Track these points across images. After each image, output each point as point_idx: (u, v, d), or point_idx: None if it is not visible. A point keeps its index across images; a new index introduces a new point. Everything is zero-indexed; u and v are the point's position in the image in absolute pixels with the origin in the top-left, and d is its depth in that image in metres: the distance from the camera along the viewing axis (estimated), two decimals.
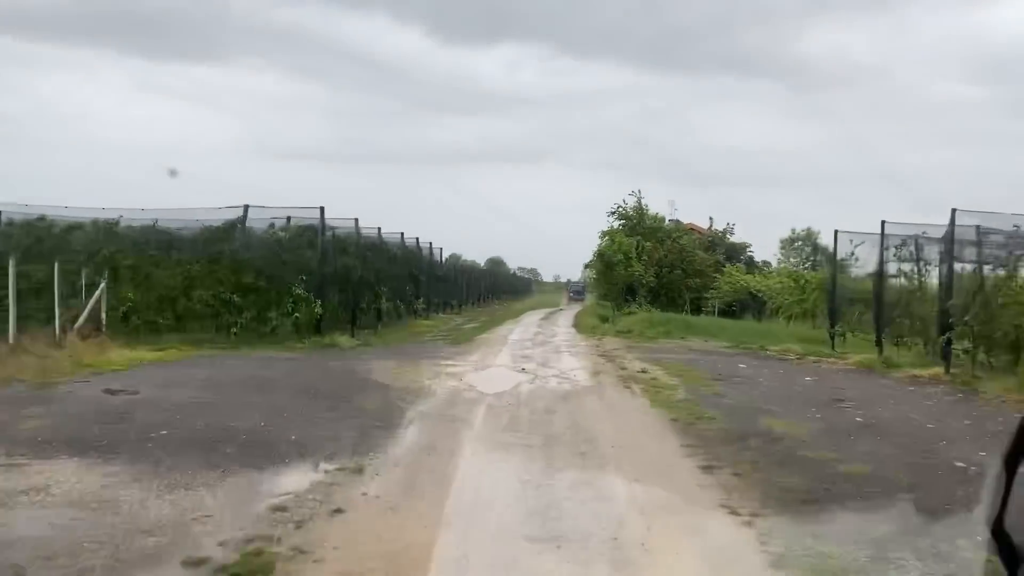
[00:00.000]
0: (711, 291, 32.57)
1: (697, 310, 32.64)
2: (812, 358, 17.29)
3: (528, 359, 14.96)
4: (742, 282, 30.47)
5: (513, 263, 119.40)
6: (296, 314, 17.27)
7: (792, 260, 54.15)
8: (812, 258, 53.16)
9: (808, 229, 53.88)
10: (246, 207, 17.82)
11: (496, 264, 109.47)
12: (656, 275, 30.37)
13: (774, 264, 49.63)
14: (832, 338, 19.97)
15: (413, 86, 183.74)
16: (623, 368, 13.58)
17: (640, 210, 31.87)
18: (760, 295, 30.62)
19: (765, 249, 57.51)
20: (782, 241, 54.78)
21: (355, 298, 20.50)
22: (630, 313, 27.19)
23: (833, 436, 7.76)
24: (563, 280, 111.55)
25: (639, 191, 32.51)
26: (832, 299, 20.21)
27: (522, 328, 25.79)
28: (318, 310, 17.56)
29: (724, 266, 34.40)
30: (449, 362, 14.04)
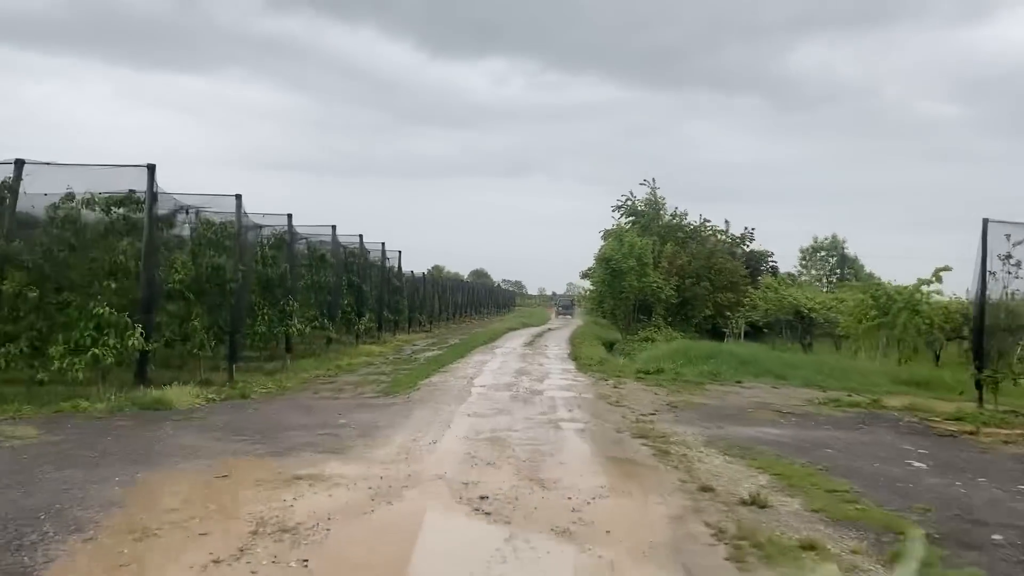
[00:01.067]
0: (741, 308, 25.31)
1: (720, 332, 25.43)
2: (999, 431, 10.06)
3: (500, 449, 7.56)
4: (790, 298, 23.17)
5: (498, 275, 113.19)
6: (95, 349, 9.78)
7: (814, 271, 47.26)
8: (838, 269, 46.31)
9: (833, 237, 46.96)
10: (19, 163, 10.34)
11: (480, 276, 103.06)
12: (677, 287, 23.04)
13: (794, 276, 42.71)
14: (979, 387, 12.72)
15: (402, 99, 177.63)
16: (704, 487, 6.21)
17: (655, 204, 24.56)
18: (811, 315, 23.41)
19: (782, 261, 50.66)
20: (802, 250, 47.84)
21: (234, 318, 13.06)
22: (648, 339, 19.86)
23: None
24: (548, 293, 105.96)
25: (653, 180, 25.18)
26: (980, 327, 12.95)
27: (499, 361, 18.34)
28: (136, 342, 10.08)
29: (757, 277, 27.24)
30: (338, 464, 6.66)
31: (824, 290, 34.69)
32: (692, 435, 8.60)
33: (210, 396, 10.76)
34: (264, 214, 15.79)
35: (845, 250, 46.45)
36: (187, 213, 12.23)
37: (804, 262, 47.07)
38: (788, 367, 16.39)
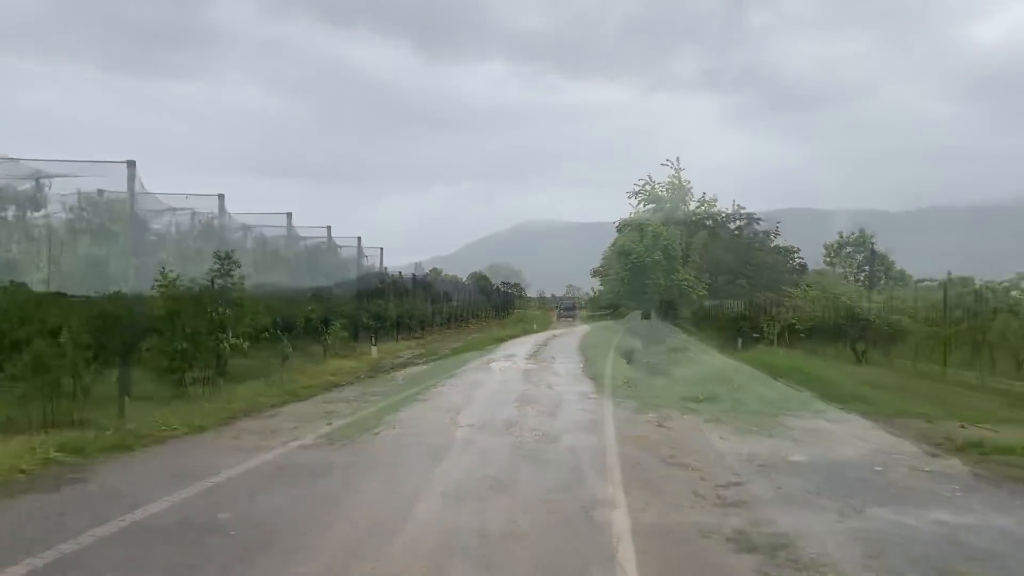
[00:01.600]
0: (781, 309, 21.58)
1: (753, 337, 21.71)
2: None
3: None
4: (844, 298, 19.43)
5: (496, 278, 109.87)
6: None
7: (839, 270, 43.57)
8: (867, 266, 42.64)
9: (860, 232, 43.21)
10: None
11: (479, 279, 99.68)
12: (708, 286, 19.34)
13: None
14: None
15: (400, 103, 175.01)
16: None
17: (679, 189, 20.89)
18: (869, 318, 19.69)
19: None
20: (827, 247, 44.10)
21: (125, 332, 9.37)
22: (680, 349, 16.15)
23: None
24: (548, 296, 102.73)
25: (677, 160, 21.44)
26: None
27: (497, 381, 14.60)
28: None
29: (797, 274, 23.56)
30: None
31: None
32: (830, 537, 4.89)
33: (53, 454, 7.05)
34: (188, 195, 12.13)
35: (874, 245, 42.82)
36: (44, 186, 8.52)
37: (829, 259, 43.40)
38: (870, 388, 12.75)
